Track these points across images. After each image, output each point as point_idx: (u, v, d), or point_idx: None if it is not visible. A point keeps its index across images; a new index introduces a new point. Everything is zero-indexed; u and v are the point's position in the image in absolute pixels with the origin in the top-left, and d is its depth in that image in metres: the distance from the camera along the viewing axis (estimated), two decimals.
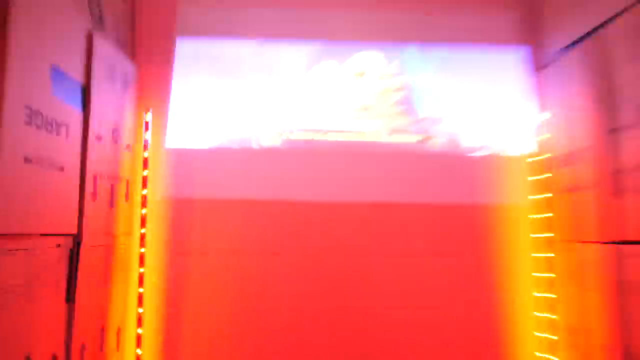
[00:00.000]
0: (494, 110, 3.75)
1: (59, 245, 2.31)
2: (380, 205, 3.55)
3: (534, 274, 3.48)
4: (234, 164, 3.50)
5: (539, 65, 3.68)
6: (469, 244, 3.57)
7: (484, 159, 3.70)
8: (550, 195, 3.49)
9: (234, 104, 3.61)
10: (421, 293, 3.47)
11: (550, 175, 3.50)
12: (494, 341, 3.36)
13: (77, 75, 2.45)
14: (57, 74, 2.25)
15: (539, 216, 3.54)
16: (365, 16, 3.60)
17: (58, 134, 2.26)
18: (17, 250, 1.99)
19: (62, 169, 2.30)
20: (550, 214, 3.48)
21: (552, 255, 3.45)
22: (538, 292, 3.44)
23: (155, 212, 3.36)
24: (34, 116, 2.05)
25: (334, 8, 3.60)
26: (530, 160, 3.54)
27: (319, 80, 3.67)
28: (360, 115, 3.70)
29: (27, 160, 2.02)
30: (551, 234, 3.46)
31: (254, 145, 3.59)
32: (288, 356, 3.33)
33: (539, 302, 3.43)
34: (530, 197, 3.56)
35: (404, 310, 3.45)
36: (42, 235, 2.14)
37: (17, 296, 1.99)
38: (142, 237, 3.26)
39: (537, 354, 3.41)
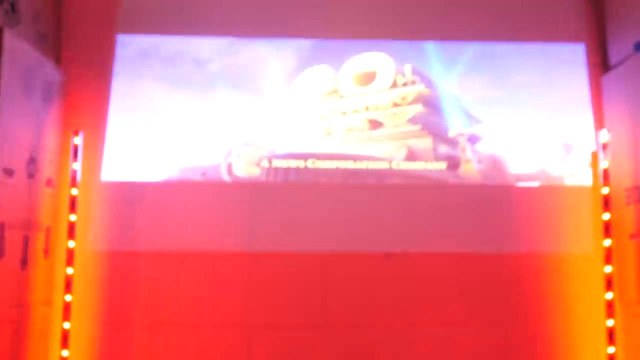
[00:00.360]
0: (547, 125, 3.78)
1: None
2: (395, 257, 3.54)
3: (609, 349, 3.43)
4: (195, 203, 3.46)
5: (600, 67, 3.74)
6: (516, 307, 3.57)
7: (538, 190, 3.68)
8: (609, 242, 3.54)
9: (196, 122, 3.57)
10: None
11: (609, 215, 3.55)
12: None
13: None
14: None
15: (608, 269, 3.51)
16: (367, 8, 3.64)
17: None
18: None
19: None
20: (610, 267, 3.51)
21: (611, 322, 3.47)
22: None
23: (85, 272, 3.31)
24: None
25: None
26: (604, 192, 3.56)
27: (309, 90, 3.66)
28: (364, 136, 3.69)
29: None
30: (610, 294, 3.49)
31: (224, 177, 3.53)
32: None
33: None
34: (601, 243, 3.58)
35: None
36: None
37: None
38: (67, 307, 3.18)
39: None
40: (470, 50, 3.76)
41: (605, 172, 3.58)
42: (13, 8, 2.75)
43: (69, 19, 3.37)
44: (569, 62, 3.79)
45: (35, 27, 3.00)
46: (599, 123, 3.70)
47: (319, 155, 3.63)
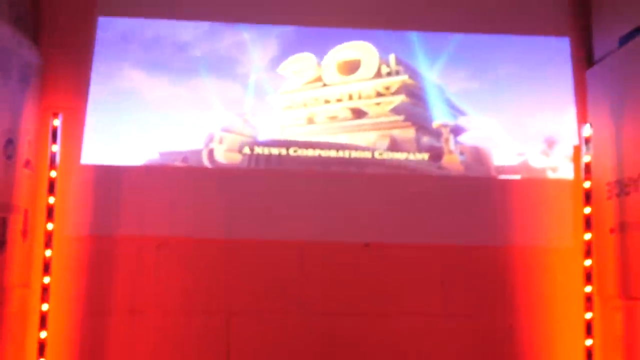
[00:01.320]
0: (531, 118, 3.75)
1: None
2: (375, 247, 3.51)
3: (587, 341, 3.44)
4: (176, 189, 3.46)
5: (584, 62, 3.72)
6: (495, 299, 3.56)
7: (520, 183, 3.66)
8: (589, 236, 3.54)
9: (177, 107, 3.60)
10: None
11: (589, 209, 3.54)
12: None
13: None
14: None
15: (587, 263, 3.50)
16: None
17: None
18: None
19: None
20: (589, 261, 3.50)
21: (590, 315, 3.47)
22: None
23: (64, 255, 3.30)
24: None
25: None
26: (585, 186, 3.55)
27: (292, 78, 3.63)
28: (347, 125, 3.67)
29: None
30: (589, 287, 3.48)
31: (205, 163, 3.50)
32: None
33: None
34: (581, 237, 3.57)
35: None
36: None
37: None
38: (45, 289, 3.20)
39: None
40: (454, 41, 3.72)
41: (587, 166, 3.58)
42: None
43: (47, 1, 3.34)
44: (553, 56, 3.79)
45: (11, 10, 2.98)
46: (582, 117, 3.71)
47: (301, 143, 3.60)
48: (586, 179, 3.56)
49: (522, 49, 3.76)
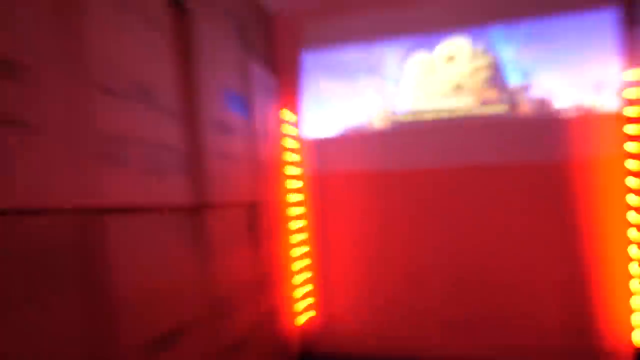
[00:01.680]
0: (583, 70, 3.65)
1: (243, 211, 2.75)
2: (472, 168, 3.55)
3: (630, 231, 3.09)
4: (356, 145, 3.88)
5: (632, 21, 3.37)
6: (563, 200, 3.14)
7: (574, 117, 3.77)
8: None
9: (348, 98, 4.24)
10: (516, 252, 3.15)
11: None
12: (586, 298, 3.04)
13: (241, 92, 3.00)
14: (229, 93, 2.87)
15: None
16: (453, 6, 3.67)
17: (234, 134, 2.81)
18: (221, 215, 2.50)
19: (239, 159, 2.93)
20: None
21: None
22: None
23: (305, 186, 3.69)
24: (218, 125, 2.53)
25: (424, 4, 3.76)
26: (626, 114, 3.03)
27: (415, 69, 4.02)
28: (454, 94, 3.94)
29: (219, 155, 2.66)
30: None
31: (369, 130, 4.06)
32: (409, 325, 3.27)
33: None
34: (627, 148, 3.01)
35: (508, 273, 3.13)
36: (232, 204, 2.56)
37: (221, 250, 2.46)
38: (296, 204, 3.64)
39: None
40: (523, 26, 3.80)
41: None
42: (252, 45, 3.29)
43: (277, 44, 3.80)
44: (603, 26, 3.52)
45: (262, 54, 3.36)
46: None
47: (423, 110, 4.01)
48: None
49: (576, 25, 3.63)
